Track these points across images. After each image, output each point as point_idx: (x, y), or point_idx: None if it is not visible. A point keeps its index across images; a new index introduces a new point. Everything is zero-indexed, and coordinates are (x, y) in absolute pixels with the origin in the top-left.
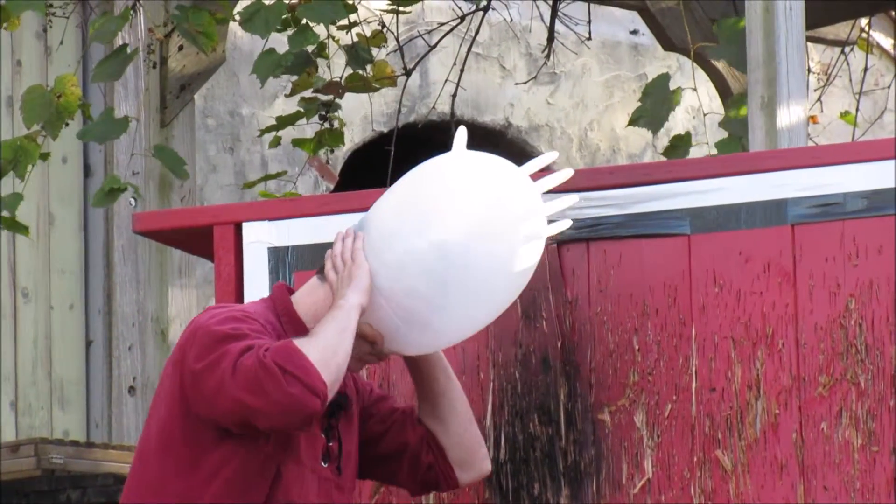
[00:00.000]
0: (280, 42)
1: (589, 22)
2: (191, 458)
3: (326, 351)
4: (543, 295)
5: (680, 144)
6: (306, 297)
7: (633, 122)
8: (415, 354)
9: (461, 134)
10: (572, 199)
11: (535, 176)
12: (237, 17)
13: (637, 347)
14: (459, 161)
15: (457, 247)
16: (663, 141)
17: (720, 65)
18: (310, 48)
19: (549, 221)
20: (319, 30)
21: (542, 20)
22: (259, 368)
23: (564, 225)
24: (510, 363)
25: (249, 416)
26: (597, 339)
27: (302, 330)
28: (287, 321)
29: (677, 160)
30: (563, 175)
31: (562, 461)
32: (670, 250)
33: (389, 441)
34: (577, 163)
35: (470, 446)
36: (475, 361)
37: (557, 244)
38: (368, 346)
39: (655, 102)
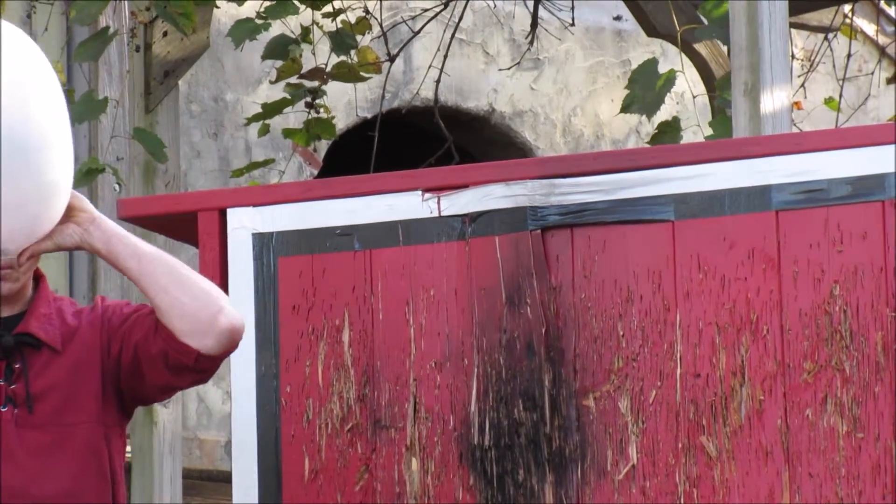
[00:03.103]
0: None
1: (572, 8)
2: None
3: None
4: (528, 281)
5: (668, 130)
6: None
7: (626, 108)
8: (14, 245)
9: None
10: None
11: None
12: (218, 3)
13: (621, 333)
14: None
15: None
16: (647, 127)
17: (703, 51)
18: (293, 34)
19: None
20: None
21: (526, 6)
22: None
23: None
24: (494, 349)
25: None
26: (581, 325)
27: None
28: None
29: (661, 146)
30: None
31: (546, 447)
32: (654, 236)
33: (126, 350)
34: (561, 148)
35: (190, 313)
36: (459, 347)
37: (542, 230)
38: None
39: (645, 87)
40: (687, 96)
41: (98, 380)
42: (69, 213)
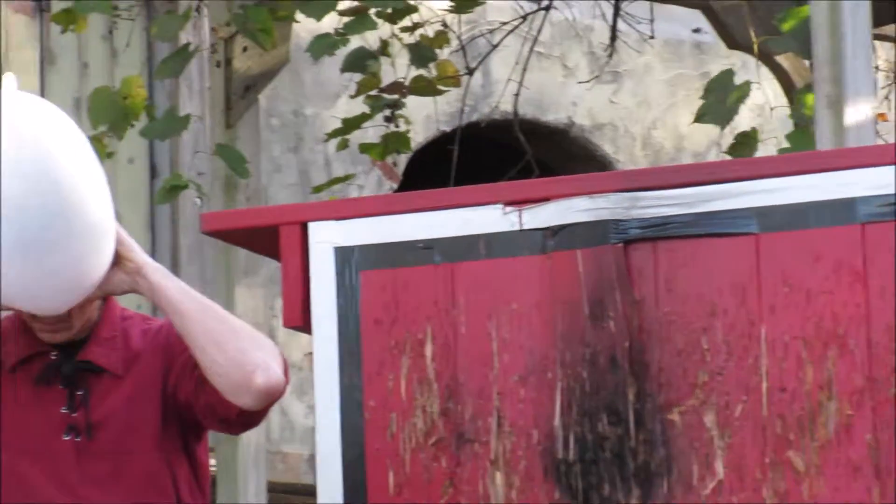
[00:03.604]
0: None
1: (651, 20)
2: None
3: None
4: (610, 295)
5: (746, 141)
6: None
7: (699, 118)
8: (61, 308)
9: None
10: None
11: None
12: (297, 18)
13: (706, 347)
14: None
15: None
16: (728, 139)
17: (785, 63)
18: (371, 48)
19: None
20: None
21: (605, 19)
22: None
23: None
24: (578, 362)
25: None
26: (665, 339)
27: (13, 318)
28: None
29: (743, 159)
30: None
31: (632, 461)
32: (738, 249)
33: (182, 391)
34: (641, 161)
35: (226, 373)
36: (542, 361)
37: (624, 243)
38: (27, 315)
39: (720, 98)
40: (769, 108)
41: (158, 406)
42: (117, 260)
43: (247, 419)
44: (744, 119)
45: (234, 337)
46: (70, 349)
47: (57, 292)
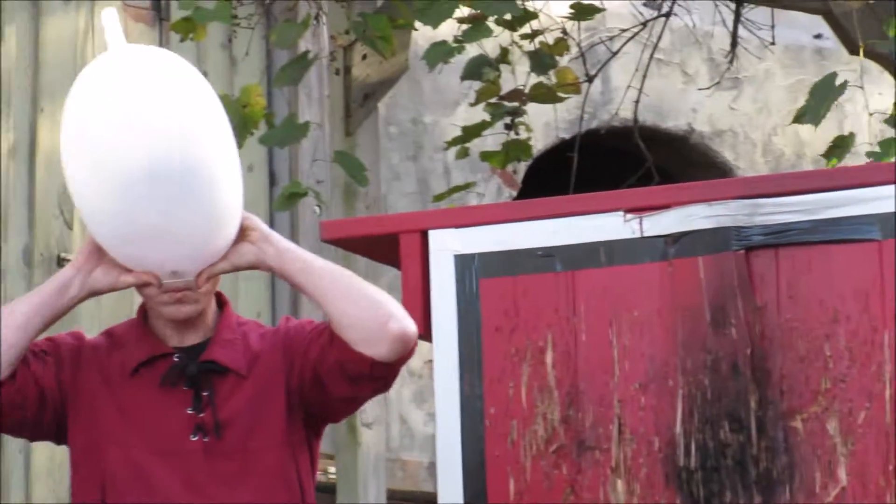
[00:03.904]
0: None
1: (772, 26)
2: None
3: None
4: (732, 302)
5: (841, 144)
6: None
7: (797, 119)
8: (197, 267)
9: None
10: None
11: None
12: (416, 26)
13: (829, 354)
14: (84, 85)
15: (107, 164)
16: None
17: None
18: (491, 55)
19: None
20: (503, 38)
21: (725, 25)
22: None
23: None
24: (699, 370)
25: None
26: (787, 346)
27: (136, 323)
28: (134, 320)
29: (865, 165)
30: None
31: (753, 469)
32: (861, 256)
33: (306, 369)
34: (762, 168)
35: (359, 321)
36: (663, 368)
37: (746, 250)
38: (153, 288)
39: (819, 99)
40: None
41: (283, 402)
42: (242, 233)
43: (380, 372)
44: (865, 125)
45: (364, 288)
46: (192, 351)
47: (189, 249)
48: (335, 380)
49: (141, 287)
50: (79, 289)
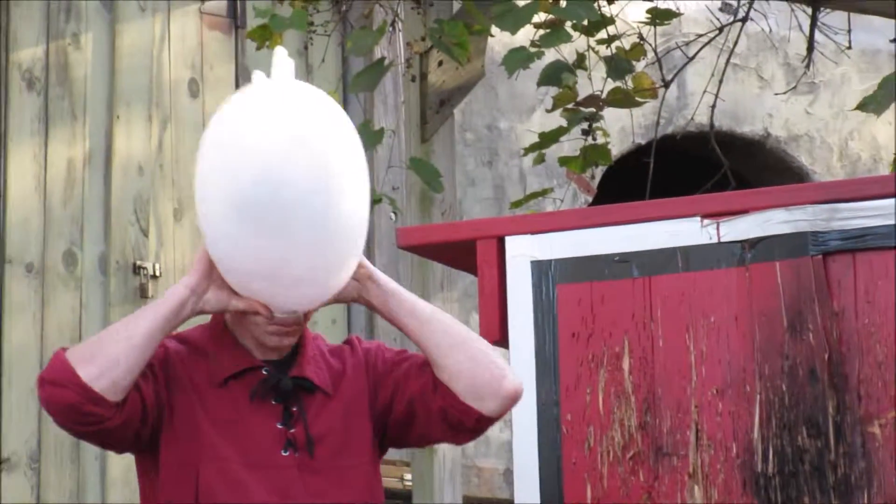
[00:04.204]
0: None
1: (849, 31)
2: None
3: (94, 343)
4: (809, 307)
5: None
6: None
7: (860, 107)
8: (313, 307)
9: (257, 76)
10: (281, 53)
11: None
12: (493, 32)
13: None
14: (221, 113)
15: (242, 193)
16: None
17: None
18: (567, 60)
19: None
20: (580, 43)
21: (801, 30)
22: (39, 392)
23: (281, 58)
24: (776, 375)
25: (68, 432)
26: (865, 351)
27: (218, 333)
28: (210, 329)
29: None
30: (282, 57)
31: (831, 474)
32: None
33: (398, 401)
34: (838, 173)
35: (473, 376)
36: (741, 374)
37: (823, 255)
38: (262, 318)
39: (888, 91)
40: None
41: (369, 422)
42: None
43: (484, 426)
44: None
45: (476, 341)
46: (278, 366)
47: (313, 291)
48: (434, 424)
49: (246, 315)
50: (190, 310)
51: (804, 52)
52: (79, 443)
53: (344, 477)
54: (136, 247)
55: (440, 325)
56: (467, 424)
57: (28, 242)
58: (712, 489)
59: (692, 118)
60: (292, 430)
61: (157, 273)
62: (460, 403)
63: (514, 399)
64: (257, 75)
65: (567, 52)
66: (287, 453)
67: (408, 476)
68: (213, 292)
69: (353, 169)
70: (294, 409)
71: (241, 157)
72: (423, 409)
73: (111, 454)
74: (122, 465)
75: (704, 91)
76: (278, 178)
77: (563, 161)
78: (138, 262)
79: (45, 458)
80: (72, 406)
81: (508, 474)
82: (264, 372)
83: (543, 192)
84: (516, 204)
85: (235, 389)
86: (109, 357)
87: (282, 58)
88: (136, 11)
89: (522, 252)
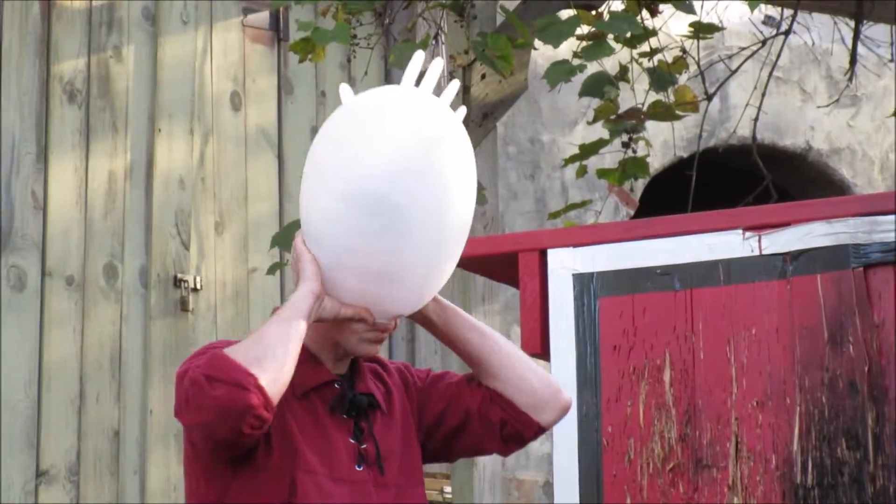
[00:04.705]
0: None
1: (892, 44)
2: (217, 498)
3: (257, 346)
4: (850, 319)
5: None
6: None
7: None
8: (413, 310)
9: (344, 90)
10: (455, 85)
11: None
12: (535, 45)
13: None
14: (341, 110)
15: (367, 190)
16: None
17: None
18: (609, 72)
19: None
20: (623, 55)
21: (844, 43)
22: (190, 386)
23: (461, 112)
24: (817, 387)
25: (204, 435)
26: None
27: None
28: None
29: None
30: (437, 66)
31: (870, 486)
32: None
33: (452, 413)
34: (879, 185)
35: (534, 389)
36: (781, 386)
37: (864, 267)
38: (362, 324)
39: None
40: None
41: (418, 443)
42: None
43: (537, 436)
44: None
45: (523, 354)
46: (345, 380)
47: (416, 296)
48: (490, 436)
49: (349, 321)
50: (315, 317)
51: (846, 65)
52: (118, 456)
53: (407, 495)
54: (177, 260)
55: (498, 339)
56: (525, 435)
57: (69, 255)
58: (752, 501)
59: (734, 131)
60: (364, 446)
61: (198, 286)
62: (521, 415)
63: (566, 410)
64: (406, 80)
65: (609, 64)
66: (361, 468)
67: (447, 488)
68: (328, 299)
69: (467, 179)
70: (363, 424)
71: (366, 153)
72: (481, 422)
73: (150, 467)
74: (161, 478)
75: (747, 104)
76: (402, 178)
77: (602, 173)
78: (179, 275)
79: (85, 471)
80: (251, 409)
81: (548, 487)
82: (336, 386)
83: (583, 204)
84: (554, 215)
85: (315, 402)
86: (277, 362)
87: (418, 61)
88: (178, 24)
89: (564, 265)
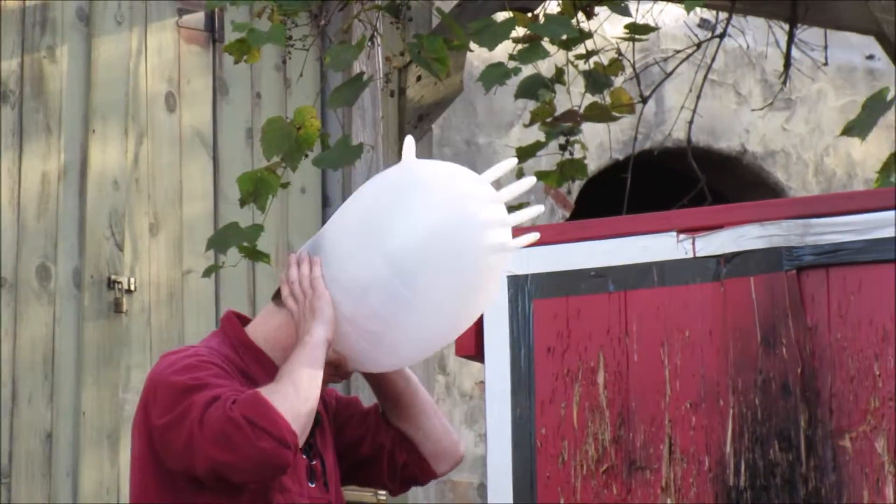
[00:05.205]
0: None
1: (825, 47)
2: None
3: (297, 399)
4: (783, 321)
5: (893, 162)
6: (263, 323)
7: (845, 132)
8: (378, 372)
9: (409, 144)
10: (538, 209)
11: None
12: (471, 47)
13: (878, 373)
14: (410, 170)
15: (410, 258)
16: None
17: None
18: (545, 74)
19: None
20: (559, 56)
21: (778, 46)
22: (227, 423)
23: (531, 238)
24: (750, 389)
25: (222, 470)
26: (837, 365)
27: (262, 358)
28: (244, 352)
29: None
30: (534, 211)
31: (802, 488)
32: None
33: (368, 445)
34: (814, 188)
35: (439, 438)
36: (715, 388)
37: (797, 270)
38: (333, 368)
39: (870, 113)
40: None
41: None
42: None
43: (425, 483)
44: None
45: (436, 406)
46: None
47: (393, 366)
48: (391, 475)
49: (327, 364)
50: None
51: (781, 69)
52: (51, 458)
53: None
54: (111, 261)
55: (420, 386)
56: (421, 481)
57: (1, 257)
58: (685, 502)
59: (670, 134)
60: (314, 462)
61: (132, 287)
62: (423, 461)
63: (458, 463)
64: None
65: (545, 66)
66: (314, 485)
67: (382, 491)
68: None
69: (493, 285)
70: (311, 440)
71: (399, 223)
72: (388, 461)
73: (83, 469)
74: (94, 480)
75: (682, 107)
76: (427, 249)
77: (540, 175)
78: (113, 277)
79: (17, 473)
80: (287, 467)
81: (483, 489)
82: None
83: (519, 207)
84: None
85: None
86: (309, 418)
87: (408, 145)
88: (112, 25)
89: None
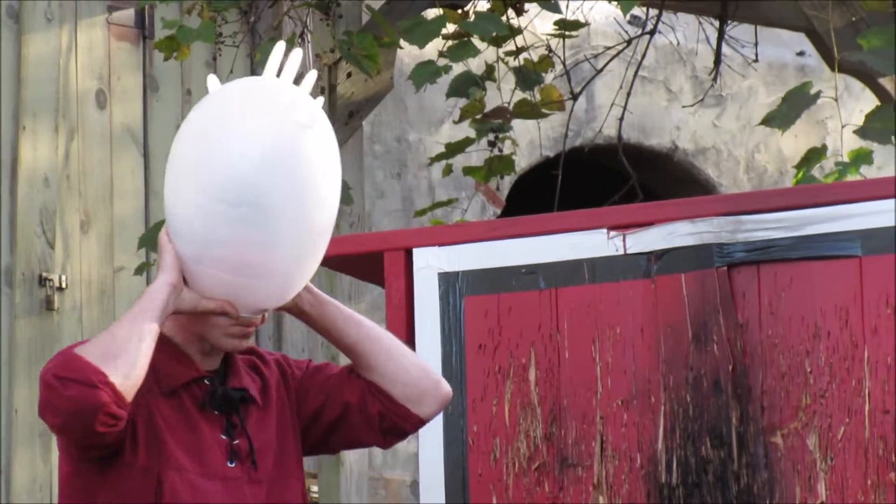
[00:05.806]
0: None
1: (755, 44)
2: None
3: (112, 343)
4: (714, 318)
5: (812, 157)
6: None
7: (765, 122)
8: (278, 305)
9: (211, 80)
10: (313, 76)
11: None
12: (402, 44)
13: (809, 370)
14: (204, 102)
15: (227, 180)
16: (830, 163)
17: (889, 85)
18: (476, 71)
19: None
20: (490, 54)
21: (709, 43)
22: (44, 388)
23: (312, 78)
24: (681, 386)
25: (63, 435)
26: (768, 362)
27: (164, 341)
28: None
29: (846, 182)
30: (296, 57)
31: (734, 485)
32: (841, 272)
33: (331, 406)
34: (745, 185)
35: (413, 380)
36: (646, 385)
37: (728, 267)
38: (225, 318)
39: (791, 106)
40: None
41: (296, 436)
42: None
43: (416, 430)
44: (846, 141)
45: (403, 346)
46: (216, 376)
47: (279, 289)
48: (369, 429)
49: (211, 314)
50: (171, 309)
51: (712, 65)
52: None
53: (283, 489)
54: (42, 258)
55: (377, 331)
56: (406, 428)
57: None
58: (617, 500)
59: (600, 130)
60: (236, 441)
61: (64, 285)
62: (400, 407)
63: (446, 402)
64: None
65: (476, 63)
66: (234, 464)
67: (314, 487)
68: (186, 290)
69: (332, 170)
70: (236, 419)
71: (227, 144)
72: (360, 415)
73: (15, 467)
74: (27, 478)
75: (613, 103)
76: (263, 168)
77: (468, 171)
78: (44, 274)
79: None
80: (102, 407)
81: (416, 486)
82: (207, 382)
83: (448, 202)
84: (421, 213)
85: (184, 398)
86: (129, 359)
87: (279, 53)
88: (42, 22)
89: (430, 264)
